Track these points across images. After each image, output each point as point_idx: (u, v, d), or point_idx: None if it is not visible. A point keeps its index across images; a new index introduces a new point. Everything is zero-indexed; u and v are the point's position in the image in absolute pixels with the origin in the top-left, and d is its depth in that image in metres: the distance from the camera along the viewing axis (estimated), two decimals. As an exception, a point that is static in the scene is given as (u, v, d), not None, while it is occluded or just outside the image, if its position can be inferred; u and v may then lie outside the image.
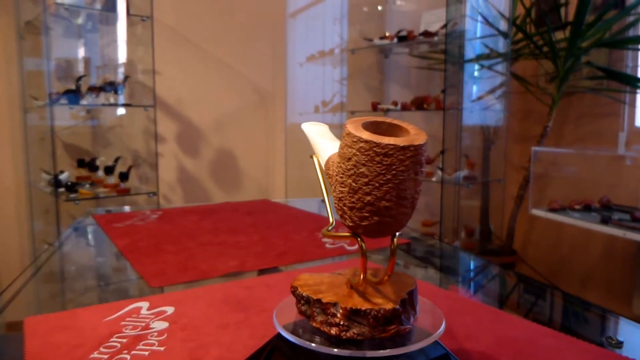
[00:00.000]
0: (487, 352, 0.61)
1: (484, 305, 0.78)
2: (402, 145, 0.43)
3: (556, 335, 0.65)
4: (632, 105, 2.53)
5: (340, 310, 0.47)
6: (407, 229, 1.54)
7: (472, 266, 1.19)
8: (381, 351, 0.47)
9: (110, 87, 2.54)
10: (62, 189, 2.46)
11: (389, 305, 0.46)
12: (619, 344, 0.62)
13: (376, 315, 0.46)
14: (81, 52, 2.70)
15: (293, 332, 0.50)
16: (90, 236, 1.32)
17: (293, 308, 0.54)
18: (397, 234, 0.50)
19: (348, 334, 0.46)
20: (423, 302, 0.55)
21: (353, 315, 0.46)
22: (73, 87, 2.45)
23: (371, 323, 0.46)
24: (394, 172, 0.43)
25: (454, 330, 0.67)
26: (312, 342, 0.48)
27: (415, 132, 0.46)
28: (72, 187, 2.46)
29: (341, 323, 0.47)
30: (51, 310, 0.78)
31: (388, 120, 0.49)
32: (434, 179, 2.84)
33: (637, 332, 0.72)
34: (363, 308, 0.46)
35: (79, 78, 2.46)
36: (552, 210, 2.30)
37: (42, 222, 2.64)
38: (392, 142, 0.43)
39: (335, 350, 0.47)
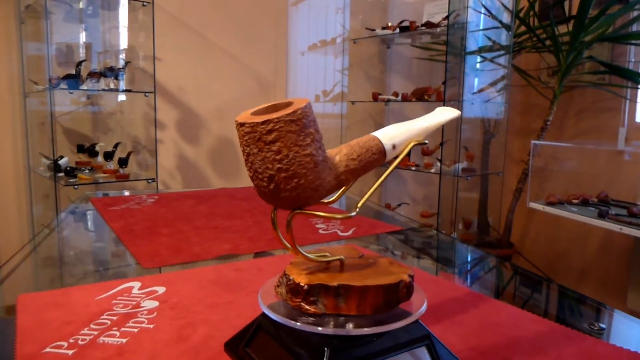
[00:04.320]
0: (470, 335, 0.61)
1: (471, 291, 0.79)
2: (240, 122, 0.47)
3: (539, 321, 0.66)
4: (633, 100, 2.53)
5: (285, 271, 0.53)
6: (405, 220, 1.55)
7: (466, 256, 1.20)
8: (365, 329, 0.48)
9: (111, 72, 2.54)
10: (61, 174, 2.47)
11: (298, 279, 0.50)
12: (601, 330, 0.63)
13: (288, 282, 0.51)
14: (82, 37, 2.69)
15: (277, 311, 0.51)
16: (86, 219, 1.33)
17: (279, 288, 0.54)
18: (294, 210, 0.51)
19: (277, 289, 0.53)
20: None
21: (285, 276, 0.52)
22: (73, 72, 2.45)
23: (286, 288, 0.51)
24: (243, 145, 0.48)
25: (439, 314, 0.68)
26: (297, 321, 0.48)
27: (283, 109, 0.47)
28: (71, 172, 2.47)
29: (278, 279, 0.53)
30: (45, 289, 0.79)
31: (303, 101, 0.50)
32: (432, 170, 2.85)
33: (621, 320, 0.72)
34: (288, 273, 0.51)
35: (79, 63, 2.46)
36: (550, 204, 2.30)
37: (42, 207, 2.65)
38: (237, 120, 0.47)
39: (320, 328, 0.48)
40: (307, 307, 0.49)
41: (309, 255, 0.53)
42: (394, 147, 0.55)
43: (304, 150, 0.47)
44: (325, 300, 0.49)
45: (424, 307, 0.50)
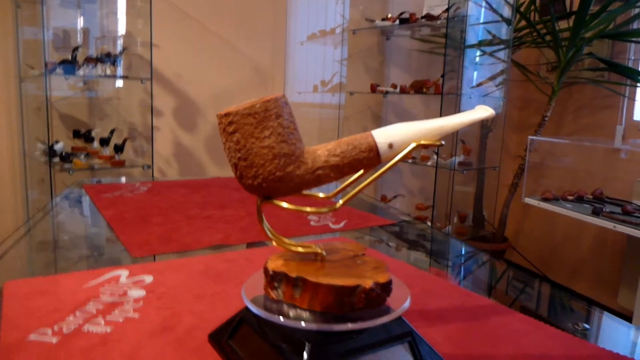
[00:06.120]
0: (455, 332, 0.61)
1: (460, 288, 0.79)
2: (217, 113, 0.50)
3: (524, 319, 0.66)
4: (632, 98, 2.52)
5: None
6: (397, 212, 1.55)
7: (458, 252, 1.20)
8: (349, 324, 0.48)
9: (108, 58, 2.52)
10: (56, 159, 2.46)
11: (269, 264, 0.53)
12: (585, 331, 0.63)
13: (264, 265, 0.53)
14: (79, 23, 2.67)
15: (260, 305, 0.51)
16: (78, 205, 1.33)
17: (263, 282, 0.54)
18: (264, 198, 0.53)
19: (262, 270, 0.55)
20: (393, 279, 0.55)
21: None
22: (69, 57, 2.43)
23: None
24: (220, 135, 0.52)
25: (425, 310, 0.68)
26: (280, 316, 0.48)
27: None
28: (66, 158, 2.46)
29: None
30: (32, 275, 0.79)
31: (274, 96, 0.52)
32: (429, 163, 2.84)
33: (607, 321, 0.73)
34: (270, 257, 0.55)
35: (75, 48, 2.44)
36: (545, 199, 2.31)
37: (37, 191, 2.64)
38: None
39: (303, 324, 0.48)
40: (270, 291, 0.52)
41: (271, 235, 0.55)
42: (390, 146, 0.52)
43: (261, 142, 0.49)
44: (285, 289, 0.51)
45: (406, 304, 0.50)
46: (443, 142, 0.54)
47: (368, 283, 0.48)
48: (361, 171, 0.54)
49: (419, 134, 0.53)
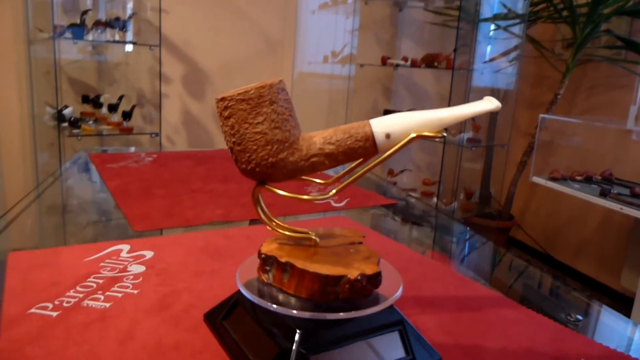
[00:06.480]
0: (447, 319, 0.62)
1: (455, 273, 0.79)
2: (215, 98, 0.51)
3: (518, 308, 0.66)
4: (648, 78, 2.47)
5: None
6: (401, 191, 1.55)
7: (460, 236, 1.20)
8: (340, 313, 0.48)
9: (117, 22, 2.50)
10: (65, 124, 2.47)
11: (263, 246, 0.54)
12: (577, 322, 0.64)
13: (259, 247, 0.54)
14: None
15: (254, 289, 0.51)
16: (83, 176, 1.34)
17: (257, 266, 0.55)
18: (259, 182, 0.53)
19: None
20: (386, 267, 0.56)
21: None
22: (78, 21, 2.41)
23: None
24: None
25: (419, 296, 0.68)
26: (273, 302, 0.49)
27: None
28: (75, 123, 2.47)
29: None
30: (34, 244, 0.80)
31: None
32: (437, 138, 2.82)
33: (602, 313, 0.73)
34: (264, 242, 0.56)
35: (84, 12, 2.42)
36: (553, 179, 2.29)
37: (47, 155, 2.66)
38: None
39: (295, 312, 0.48)
40: (261, 274, 0.53)
41: (265, 218, 0.55)
42: (387, 136, 0.51)
43: (254, 128, 0.49)
44: (275, 272, 0.52)
45: (398, 293, 0.51)
46: (445, 134, 0.53)
47: (354, 274, 0.49)
48: (361, 159, 0.54)
49: (418, 125, 0.52)
